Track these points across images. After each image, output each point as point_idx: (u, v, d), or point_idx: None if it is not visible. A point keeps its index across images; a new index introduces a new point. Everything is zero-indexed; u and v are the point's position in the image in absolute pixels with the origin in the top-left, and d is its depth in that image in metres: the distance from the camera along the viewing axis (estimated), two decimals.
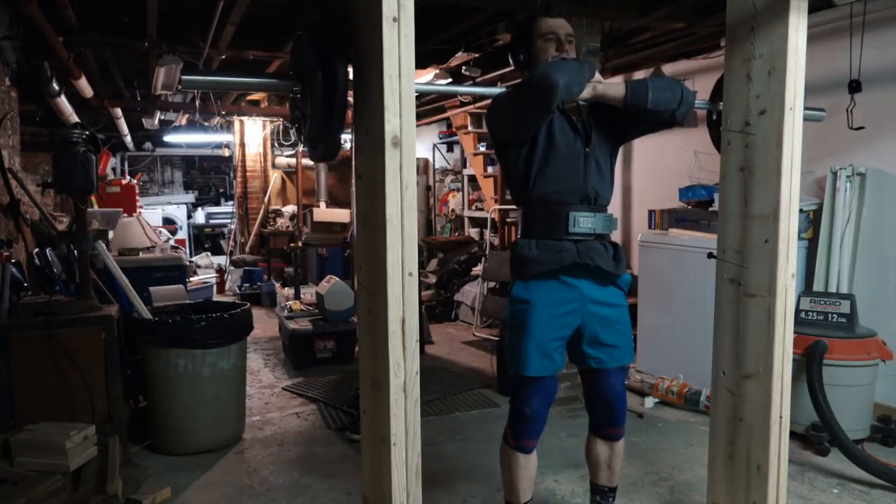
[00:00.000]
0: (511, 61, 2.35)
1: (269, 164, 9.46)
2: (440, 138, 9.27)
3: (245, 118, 8.92)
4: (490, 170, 7.38)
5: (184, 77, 2.06)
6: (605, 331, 2.26)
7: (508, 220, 6.92)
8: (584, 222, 2.19)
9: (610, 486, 2.40)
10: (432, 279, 7.21)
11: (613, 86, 2.18)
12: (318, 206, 8.47)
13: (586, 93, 2.14)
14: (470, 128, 7.57)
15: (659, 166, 5.40)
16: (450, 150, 9.52)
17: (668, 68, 5.14)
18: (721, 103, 2.36)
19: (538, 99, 2.06)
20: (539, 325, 2.20)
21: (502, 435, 2.34)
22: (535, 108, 2.10)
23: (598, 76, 2.19)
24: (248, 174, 9.44)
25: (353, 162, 2.02)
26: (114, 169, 12.77)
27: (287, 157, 9.53)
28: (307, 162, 9.01)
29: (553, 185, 2.20)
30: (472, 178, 8.17)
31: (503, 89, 2.20)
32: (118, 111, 7.69)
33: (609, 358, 2.27)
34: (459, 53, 4.99)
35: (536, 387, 2.23)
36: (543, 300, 2.20)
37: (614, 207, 5.77)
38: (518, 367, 2.22)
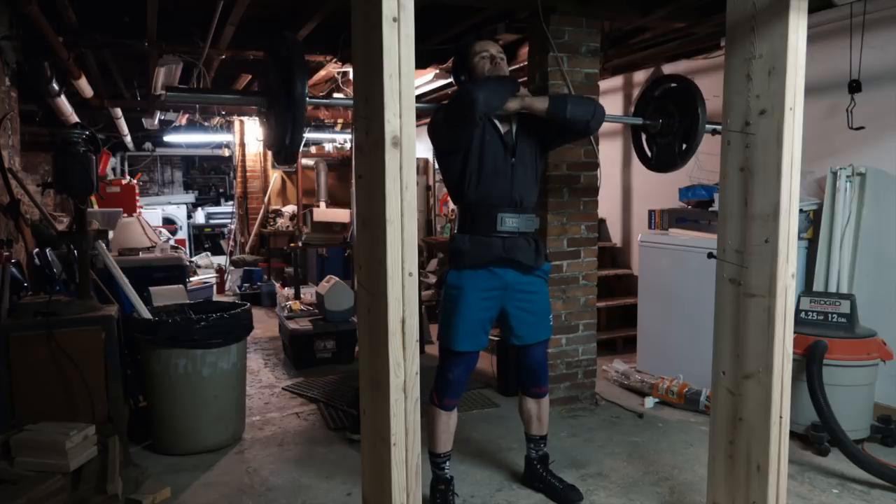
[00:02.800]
0: (454, 81, 2.73)
1: (269, 164, 9.46)
2: None
3: (245, 118, 8.92)
4: None
5: (168, 93, 2.32)
6: (524, 313, 2.70)
7: None
8: (509, 222, 2.59)
9: (540, 434, 2.89)
10: (432, 279, 7.20)
11: (538, 99, 2.59)
12: (318, 206, 8.47)
13: (514, 105, 2.54)
14: None
15: None
16: None
17: (668, 68, 5.14)
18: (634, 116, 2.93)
19: (462, 112, 2.42)
20: (468, 308, 2.60)
21: (429, 396, 2.68)
22: (460, 119, 2.46)
23: (524, 91, 2.61)
24: (248, 174, 9.45)
25: (353, 162, 2.07)
26: (114, 169, 12.76)
27: None
28: (307, 162, 9.01)
29: (484, 190, 2.59)
30: None
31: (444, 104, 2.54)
32: (118, 111, 7.69)
33: (529, 335, 2.73)
34: None
35: (462, 359, 2.66)
36: (472, 286, 2.61)
37: (614, 207, 5.82)
38: (447, 343, 2.64)
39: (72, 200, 3.38)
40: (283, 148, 2.13)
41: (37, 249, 3.77)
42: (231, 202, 12.46)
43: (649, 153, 3.11)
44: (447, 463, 2.75)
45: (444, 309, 2.68)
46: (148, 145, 12.21)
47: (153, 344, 3.26)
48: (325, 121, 8.22)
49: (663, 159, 3.01)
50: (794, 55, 2.08)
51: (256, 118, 8.88)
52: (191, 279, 7.76)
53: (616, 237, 5.93)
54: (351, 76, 4.72)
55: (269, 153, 9.42)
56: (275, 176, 9.50)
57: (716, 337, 2.38)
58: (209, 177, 17.32)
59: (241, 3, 3.85)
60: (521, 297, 2.69)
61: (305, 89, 2.08)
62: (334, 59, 5.27)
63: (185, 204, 14.31)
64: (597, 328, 4.19)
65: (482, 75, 2.61)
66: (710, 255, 2.58)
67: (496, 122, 2.63)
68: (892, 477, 2.89)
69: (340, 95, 6.95)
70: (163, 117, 8.40)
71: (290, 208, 9.02)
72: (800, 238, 3.44)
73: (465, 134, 2.53)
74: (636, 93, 5.32)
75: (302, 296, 6.06)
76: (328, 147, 9.81)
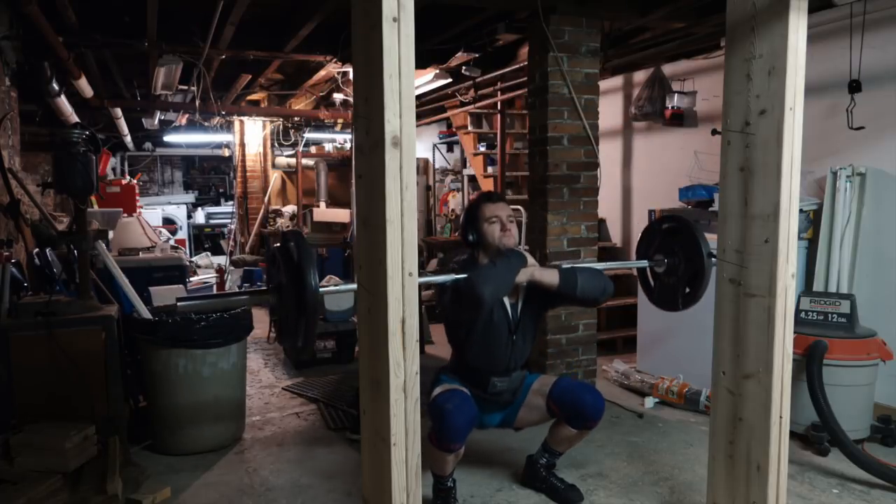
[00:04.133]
0: (462, 241, 2.78)
1: (269, 164, 9.46)
2: (440, 138, 9.27)
3: (245, 118, 8.92)
4: (490, 170, 7.38)
5: (180, 304, 2.27)
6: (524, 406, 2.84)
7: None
8: (500, 385, 2.76)
9: (563, 451, 2.90)
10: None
11: (547, 273, 2.63)
12: (318, 206, 8.47)
13: (524, 278, 2.59)
14: (470, 128, 7.56)
15: (659, 166, 5.40)
16: (450, 150, 9.51)
17: (669, 68, 5.14)
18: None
19: (470, 306, 2.49)
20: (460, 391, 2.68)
21: (427, 437, 2.60)
22: (468, 311, 2.57)
23: (532, 261, 2.66)
24: (248, 174, 9.45)
25: (353, 162, 2.06)
26: (114, 169, 12.77)
27: (287, 157, 9.53)
28: (307, 162, 9.02)
29: (483, 360, 2.73)
30: (472, 178, 8.16)
31: (456, 277, 2.49)
32: (118, 111, 7.69)
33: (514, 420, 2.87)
34: (459, 53, 5.00)
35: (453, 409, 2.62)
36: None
37: (615, 207, 5.82)
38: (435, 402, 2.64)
39: (72, 200, 3.38)
40: (298, 340, 2.10)
41: (37, 249, 3.77)
42: (231, 202, 12.46)
43: (652, 284, 2.92)
44: (451, 479, 2.76)
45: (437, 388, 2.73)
46: (148, 145, 12.21)
47: (153, 344, 3.25)
48: (325, 121, 8.22)
49: (665, 299, 2.85)
50: (794, 55, 2.08)
51: (258, 118, 8.88)
52: (191, 279, 7.77)
53: (616, 237, 5.93)
54: (351, 76, 4.72)
55: (270, 153, 9.45)
56: (275, 176, 9.50)
57: (716, 337, 2.38)
58: (209, 177, 17.33)
59: (241, 3, 3.85)
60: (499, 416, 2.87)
61: (318, 282, 2.02)
62: (334, 59, 5.27)
63: (185, 204, 14.32)
64: (597, 328, 4.19)
65: (492, 241, 2.65)
66: (710, 255, 2.58)
67: (504, 298, 2.69)
68: (892, 477, 2.89)
69: (340, 95, 6.96)
70: (163, 117, 8.41)
71: (290, 208, 9.02)
72: (800, 238, 3.44)
73: (473, 317, 2.64)
74: (636, 93, 5.32)
75: None
76: (328, 147, 9.82)
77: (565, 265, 2.73)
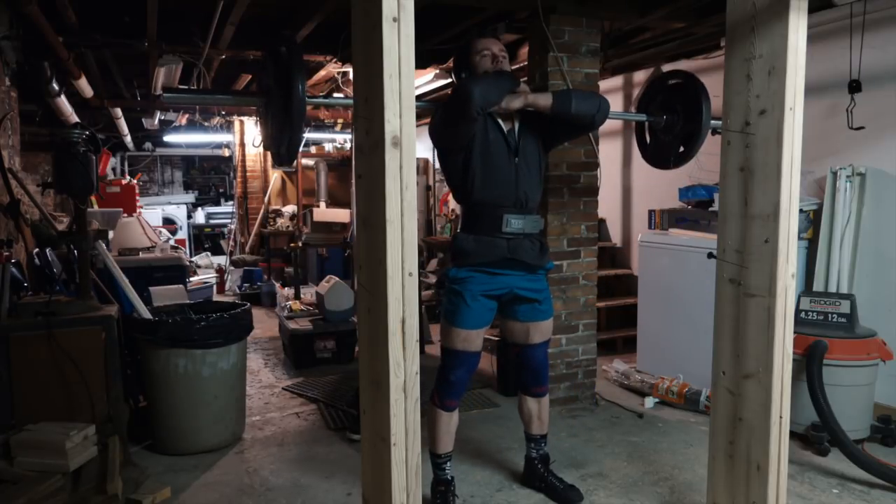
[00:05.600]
0: (454, 79, 2.70)
1: (269, 164, 9.46)
2: None
3: (245, 118, 8.92)
4: None
5: (165, 94, 2.27)
6: (528, 313, 2.72)
7: None
8: (515, 223, 2.58)
9: (541, 433, 2.90)
10: (432, 279, 7.20)
11: (542, 96, 2.56)
12: (318, 206, 8.46)
13: (517, 103, 2.52)
14: None
15: None
16: None
17: (669, 68, 5.14)
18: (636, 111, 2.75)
19: (459, 108, 2.38)
20: (472, 297, 2.60)
21: (429, 396, 2.69)
22: (458, 115, 2.42)
23: (525, 87, 2.57)
24: (248, 174, 9.44)
25: (353, 162, 2.06)
26: (114, 169, 12.76)
27: None
28: (307, 162, 9.01)
29: (489, 190, 2.57)
30: None
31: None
32: (118, 111, 7.69)
33: (532, 335, 2.75)
34: None
35: (464, 359, 2.65)
36: (476, 281, 2.60)
37: (615, 207, 5.82)
38: (449, 343, 2.64)
39: (72, 200, 3.38)
40: (281, 149, 2.10)
41: (37, 249, 3.77)
42: (231, 202, 12.46)
43: (648, 141, 2.98)
44: (448, 464, 2.76)
45: (447, 310, 2.66)
46: (148, 145, 12.20)
47: (153, 344, 3.26)
48: (325, 121, 8.22)
49: (658, 156, 2.89)
50: (794, 55, 2.08)
51: (256, 118, 8.88)
52: (191, 279, 7.77)
53: (616, 237, 5.93)
54: (351, 76, 4.72)
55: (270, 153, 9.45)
56: (275, 176, 9.50)
57: (716, 337, 2.38)
58: (209, 177, 17.31)
59: (241, 3, 3.85)
60: (525, 294, 2.68)
61: (304, 89, 2.04)
62: (334, 59, 5.27)
63: (185, 204, 14.31)
64: (597, 328, 4.19)
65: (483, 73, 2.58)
66: (710, 255, 2.59)
67: (499, 120, 2.60)
68: (892, 477, 2.89)
69: (340, 95, 6.96)
70: (163, 117, 8.41)
71: (290, 208, 9.02)
72: (800, 238, 3.44)
73: (464, 131, 2.49)
74: (636, 92, 5.32)
75: (302, 296, 6.06)
76: (328, 147, 9.81)
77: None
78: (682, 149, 2.78)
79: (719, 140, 2.35)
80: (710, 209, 4.33)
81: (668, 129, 2.83)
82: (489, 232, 2.58)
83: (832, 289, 3.69)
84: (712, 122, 2.75)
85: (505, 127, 2.62)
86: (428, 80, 5.68)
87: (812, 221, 3.86)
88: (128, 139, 10.17)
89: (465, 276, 2.61)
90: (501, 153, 2.57)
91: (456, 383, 2.66)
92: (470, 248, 2.59)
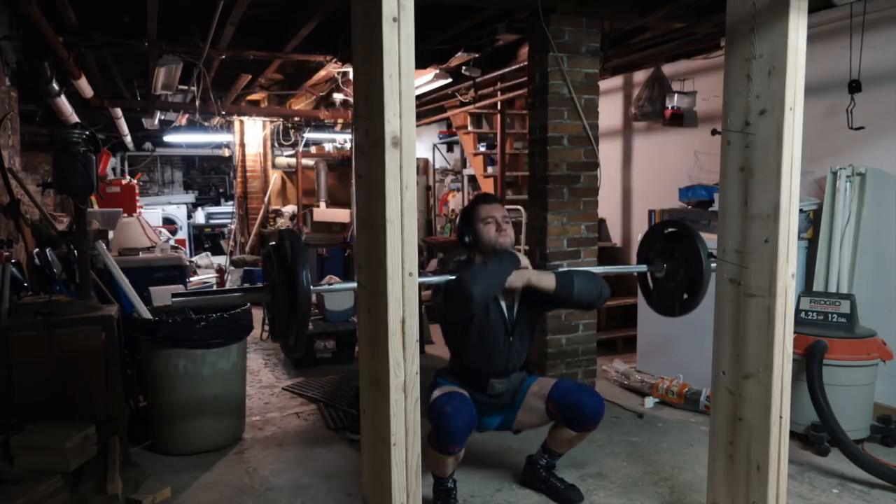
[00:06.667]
0: (458, 242, 2.77)
1: (269, 164, 9.46)
2: (440, 138, 9.27)
3: (245, 118, 8.91)
4: (490, 170, 7.38)
5: (174, 299, 2.36)
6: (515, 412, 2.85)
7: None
8: (498, 387, 2.75)
9: (563, 453, 2.89)
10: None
11: (544, 277, 2.63)
12: (318, 206, 8.47)
13: (521, 282, 2.59)
14: (470, 128, 7.56)
15: (659, 166, 5.40)
16: (450, 150, 9.51)
17: (669, 68, 5.14)
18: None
19: (460, 305, 2.49)
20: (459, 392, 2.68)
21: (426, 439, 2.57)
22: (458, 309, 2.54)
23: (526, 262, 2.64)
24: (248, 174, 9.44)
25: (353, 162, 2.06)
26: (114, 169, 12.77)
27: (287, 157, 9.53)
28: (307, 162, 9.01)
29: (481, 361, 2.73)
30: (472, 178, 8.16)
31: (451, 277, 2.51)
32: (118, 111, 7.69)
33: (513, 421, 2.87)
34: (459, 53, 5.00)
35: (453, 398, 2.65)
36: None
37: (615, 207, 5.82)
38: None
39: (72, 200, 3.38)
40: (290, 341, 2.14)
41: (37, 249, 3.77)
42: (231, 202, 12.46)
43: (651, 288, 2.91)
44: (451, 480, 2.76)
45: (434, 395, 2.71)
46: (148, 145, 12.21)
47: (153, 344, 3.25)
48: (325, 121, 8.22)
49: (663, 303, 2.83)
50: (794, 55, 2.08)
51: (258, 118, 8.88)
52: (191, 279, 7.77)
53: (616, 237, 5.93)
54: (351, 76, 4.72)
55: (269, 153, 9.44)
56: (275, 176, 9.50)
57: (716, 337, 2.38)
58: (209, 177, 17.32)
59: (241, 3, 3.85)
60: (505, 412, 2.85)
61: (309, 282, 2.02)
62: (334, 59, 5.27)
63: (185, 204, 14.31)
64: (597, 328, 4.19)
65: (487, 242, 2.64)
66: (710, 255, 2.58)
67: (500, 300, 2.70)
68: (892, 477, 2.89)
69: (340, 95, 6.96)
70: (163, 117, 8.41)
71: (290, 208, 9.02)
72: (800, 238, 3.44)
73: (465, 316, 2.63)
74: (636, 93, 5.32)
75: None
76: (328, 147, 9.82)
77: (561, 269, 2.72)
78: (686, 296, 2.71)
79: (719, 140, 2.35)
80: (710, 209, 4.33)
81: (671, 277, 2.79)
82: (474, 388, 2.75)
83: (832, 289, 3.69)
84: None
85: (505, 305, 2.72)
86: (428, 80, 5.68)
87: (812, 221, 3.86)
88: (128, 139, 10.17)
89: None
90: (499, 332, 2.70)
91: (455, 430, 2.60)
92: (454, 382, 2.77)
